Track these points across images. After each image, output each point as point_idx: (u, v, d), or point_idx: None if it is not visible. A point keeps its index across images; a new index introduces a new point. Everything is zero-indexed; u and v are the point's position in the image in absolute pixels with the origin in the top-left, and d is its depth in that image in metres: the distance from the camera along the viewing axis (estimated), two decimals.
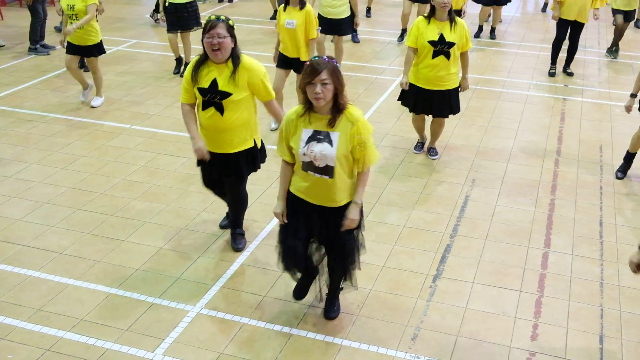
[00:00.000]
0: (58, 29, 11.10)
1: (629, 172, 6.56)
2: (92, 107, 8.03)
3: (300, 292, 4.51)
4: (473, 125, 7.75)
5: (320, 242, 4.22)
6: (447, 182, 6.37)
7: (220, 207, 5.73)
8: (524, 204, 6.00)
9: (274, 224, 5.55)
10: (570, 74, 9.53)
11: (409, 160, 6.78)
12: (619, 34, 10.40)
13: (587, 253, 5.29)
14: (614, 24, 10.49)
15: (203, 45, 4.48)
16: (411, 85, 6.46)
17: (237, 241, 5.23)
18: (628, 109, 6.29)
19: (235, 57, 4.51)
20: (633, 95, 6.26)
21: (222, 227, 5.48)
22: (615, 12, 10.27)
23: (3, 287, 4.75)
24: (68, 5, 7.57)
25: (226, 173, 4.86)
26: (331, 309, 4.47)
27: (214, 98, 4.53)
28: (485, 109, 8.27)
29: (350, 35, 10.97)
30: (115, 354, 4.13)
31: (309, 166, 3.88)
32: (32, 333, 4.29)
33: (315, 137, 3.81)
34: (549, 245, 5.39)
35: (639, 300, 4.74)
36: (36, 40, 10.19)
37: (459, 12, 9.15)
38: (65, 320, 4.41)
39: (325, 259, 4.31)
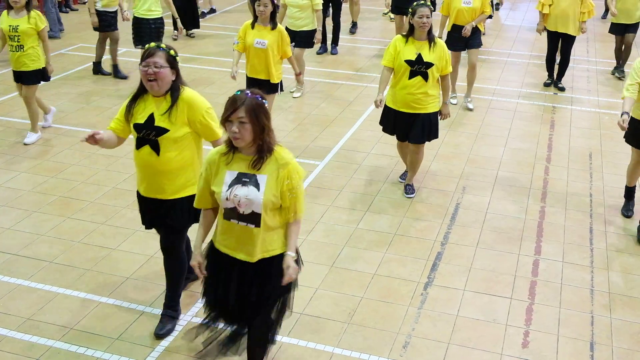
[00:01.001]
0: None
1: (620, 179, 6.57)
2: (25, 144, 7.14)
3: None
4: (463, 133, 7.78)
5: (241, 305, 3.59)
6: (438, 190, 6.39)
7: None
8: (515, 212, 6.02)
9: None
10: (562, 89, 9.26)
11: (400, 168, 6.79)
12: (620, 51, 9.92)
13: (578, 260, 5.31)
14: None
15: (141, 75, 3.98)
16: (389, 108, 6.09)
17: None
18: (621, 125, 5.28)
19: (174, 89, 3.97)
20: (624, 113, 5.33)
21: (159, 335, 4.36)
22: (615, 29, 9.72)
23: None
24: (10, 26, 6.78)
25: (159, 223, 4.23)
26: None
27: (149, 134, 3.98)
28: (475, 117, 8.30)
29: (330, 47, 10.87)
30: None
31: (232, 213, 3.40)
32: (21, 342, 4.26)
33: (240, 179, 3.36)
34: (539, 252, 5.41)
35: (629, 307, 4.76)
36: None
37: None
38: (55, 329, 4.39)
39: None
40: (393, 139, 7.19)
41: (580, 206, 6.15)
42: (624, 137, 5.82)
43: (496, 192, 6.38)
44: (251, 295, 3.52)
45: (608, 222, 5.87)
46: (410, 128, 6.03)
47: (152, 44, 3.99)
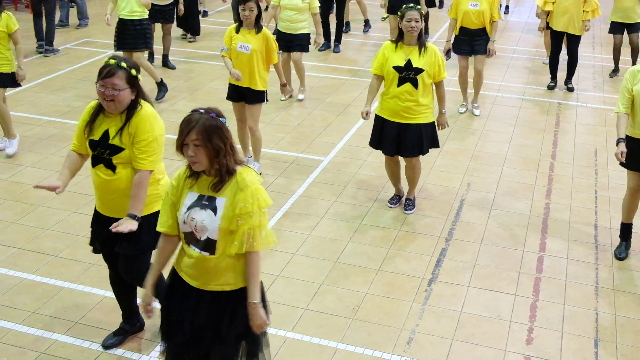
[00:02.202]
0: None
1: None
2: (8, 155, 6.76)
3: None
4: (468, 129, 7.77)
5: (197, 338, 3.26)
6: (442, 186, 6.38)
7: None
8: (519, 208, 6.01)
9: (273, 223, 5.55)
10: (571, 89, 9.11)
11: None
12: (619, 52, 9.77)
13: (582, 257, 5.31)
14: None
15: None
16: (377, 117, 5.74)
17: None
18: (619, 157, 4.97)
19: (130, 108, 3.73)
20: (620, 140, 4.98)
21: (106, 346, 4.19)
22: (614, 29, 9.52)
23: None
24: None
25: (119, 245, 3.89)
26: None
27: (103, 153, 3.76)
28: (480, 113, 8.28)
29: (333, 45, 10.73)
30: (111, 357, 4.12)
31: (190, 238, 3.14)
32: (26, 336, 4.28)
33: (200, 202, 3.10)
34: (544, 249, 5.41)
35: (633, 304, 4.75)
36: (50, 40, 10.21)
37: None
38: (60, 323, 4.40)
39: None
40: None
41: (585, 203, 6.14)
42: (628, 166, 5.18)
43: (501, 188, 6.37)
44: (207, 328, 3.20)
45: (613, 219, 5.85)
46: (400, 140, 5.65)
47: (112, 61, 3.67)
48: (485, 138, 7.53)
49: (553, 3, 8.74)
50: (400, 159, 5.93)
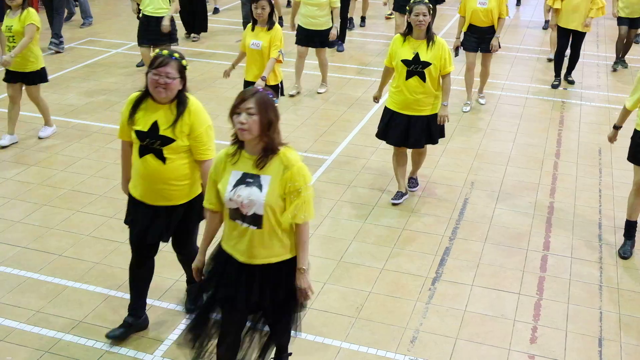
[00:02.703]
0: None
1: (629, 174, 6.53)
2: (40, 138, 7.20)
3: None
4: (472, 128, 7.77)
5: (253, 307, 3.49)
6: (446, 185, 6.38)
7: None
8: (523, 207, 6.00)
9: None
10: (572, 82, 9.31)
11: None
12: (622, 42, 10.03)
13: (586, 256, 5.30)
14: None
15: (146, 80, 3.83)
16: (386, 109, 5.87)
17: (191, 299, 4.53)
18: (611, 139, 5.52)
19: (181, 100, 3.86)
20: (616, 127, 5.45)
21: (110, 337, 4.26)
22: (621, 21, 9.86)
23: (2, 288, 4.74)
24: (6, 26, 6.71)
25: (165, 233, 4.09)
26: None
27: (153, 143, 3.85)
28: (484, 112, 8.28)
29: (335, 45, 10.67)
30: (115, 356, 4.13)
31: (236, 214, 3.30)
32: (31, 335, 4.29)
33: (244, 180, 3.26)
34: (548, 248, 5.40)
35: (638, 303, 4.75)
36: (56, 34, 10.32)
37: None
38: (65, 322, 4.41)
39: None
40: None
41: (589, 202, 6.13)
42: (627, 157, 5.39)
43: (505, 187, 6.36)
44: (264, 300, 3.39)
45: (617, 218, 5.84)
46: (408, 132, 5.75)
47: (165, 52, 3.83)
48: (489, 137, 7.52)
49: (562, 1, 8.80)
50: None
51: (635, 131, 5.16)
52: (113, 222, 5.61)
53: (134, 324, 4.31)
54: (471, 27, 8.08)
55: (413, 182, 6.26)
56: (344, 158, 6.90)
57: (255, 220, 3.26)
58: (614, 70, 10.10)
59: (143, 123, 3.87)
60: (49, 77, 9.16)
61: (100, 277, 4.88)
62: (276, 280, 3.39)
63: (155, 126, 3.84)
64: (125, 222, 4.17)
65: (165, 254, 5.15)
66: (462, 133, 7.58)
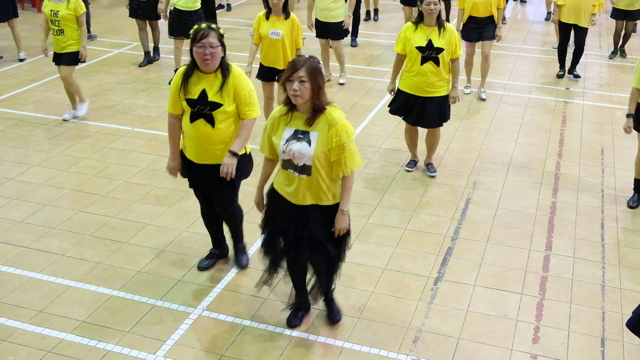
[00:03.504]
0: None
1: (631, 174, 6.53)
2: (76, 117, 7.71)
3: (294, 316, 4.41)
4: (474, 128, 7.76)
5: (303, 245, 4.08)
6: (448, 185, 6.37)
7: None
8: (526, 207, 5.99)
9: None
10: (577, 77, 9.52)
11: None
12: (619, 36, 10.49)
13: (589, 256, 5.29)
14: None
15: (192, 55, 4.30)
16: (400, 91, 6.29)
17: (239, 257, 5.03)
18: (627, 130, 5.89)
19: (224, 67, 4.37)
20: (630, 115, 5.85)
21: (201, 268, 4.97)
22: (616, 14, 10.26)
23: (4, 289, 4.75)
24: (51, 10, 7.20)
25: (216, 186, 4.58)
26: (332, 313, 4.44)
27: (203, 109, 4.35)
28: (487, 111, 8.27)
29: (350, 39, 10.95)
30: (117, 356, 4.13)
31: (288, 164, 3.91)
32: (33, 335, 4.29)
33: (295, 136, 3.85)
34: (550, 248, 5.39)
35: None
36: None
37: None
38: (67, 322, 4.41)
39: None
40: (402, 135, 7.17)
41: (591, 202, 6.12)
42: (634, 126, 5.91)
43: (507, 187, 6.36)
44: (311, 230, 3.98)
45: (620, 218, 5.84)
46: (423, 112, 6.20)
47: (203, 25, 4.29)
48: (491, 136, 7.51)
49: None
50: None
51: (639, 104, 5.74)
52: (115, 222, 5.61)
53: (219, 254, 5.04)
54: (471, 18, 8.45)
55: (431, 167, 6.58)
56: None
57: (305, 169, 3.85)
58: (610, 59, 10.50)
59: (193, 92, 4.35)
60: (51, 77, 9.19)
61: (102, 277, 4.88)
62: (322, 222, 3.97)
63: (204, 93, 4.34)
64: (183, 175, 4.73)
65: (167, 254, 5.16)
66: (464, 134, 7.57)
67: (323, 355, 4.17)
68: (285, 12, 6.71)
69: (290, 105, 3.87)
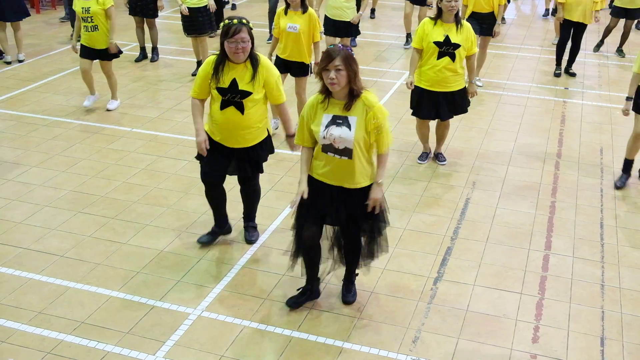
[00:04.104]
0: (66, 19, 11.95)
1: (631, 173, 6.55)
2: (108, 110, 8.04)
3: (296, 299, 4.58)
4: (473, 127, 7.76)
5: (339, 224, 4.34)
6: (447, 185, 6.37)
7: None
8: (525, 207, 5.99)
9: (275, 226, 5.56)
10: (573, 75, 9.60)
11: (410, 163, 6.78)
12: (609, 32, 10.57)
13: (588, 255, 5.29)
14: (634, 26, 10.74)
15: (222, 47, 4.57)
16: (416, 87, 6.44)
17: (250, 234, 5.33)
18: (625, 112, 6.23)
19: (253, 58, 4.65)
20: (629, 99, 6.18)
21: (200, 242, 5.28)
22: (616, 12, 10.29)
23: (4, 290, 4.74)
24: (82, 8, 7.44)
25: (244, 168, 4.93)
26: (348, 293, 4.63)
27: (234, 97, 4.64)
28: (486, 111, 8.27)
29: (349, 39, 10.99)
30: (116, 357, 4.13)
31: (329, 148, 4.10)
32: (32, 336, 4.29)
33: (334, 121, 4.06)
34: (549, 247, 5.39)
35: None
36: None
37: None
38: (66, 323, 4.41)
39: (341, 243, 4.49)
40: (404, 134, 7.19)
41: (590, 201, 6.12)
42: (633, 107, 6.17)
43: (506, 187, 6.36)
44: (350, 211, 4.21)
45: (619, 217, 5.84)
46: (440, 105, 6.40)
47: (235, 21, 4.53)
48: (490, 136, 7.51)
49: None
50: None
51: (639, 87, 6.06)
52: (115, 223, 5.61)
53: (219, 232, 5.31)
54: (473, 13, 8.62)
55: (441, 156, 6.83)
56: None
57: (346, 152, 4.08)
58: (594, 52, 10.78)
59: (224, 81, 4.63)
60: (51, 78, 9.19)
61: (102, 278, 4.88)
62: (360, 200, 4.18)
63: (234, 83, 4.62)
64: (196, 157, 4.98)
65: (167, 254, 5.16)
66: (463, 133, 7.58)
67: (323, 355, 4.17)
68: (303, 6, 6.87)
69: (326, 93, 4.08)
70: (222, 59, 4.64)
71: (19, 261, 5.08)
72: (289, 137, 4.94)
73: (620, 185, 6.32)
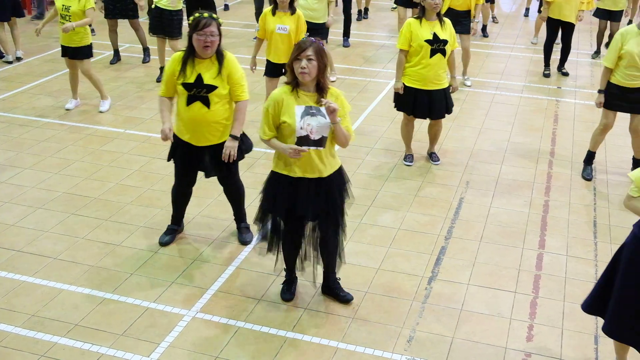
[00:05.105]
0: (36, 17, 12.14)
1: (623, 172, 6.58)
2: (100, 111, 8.00)
3: (288, 290, 4.66)
4: (466, 127, 7.77)
5: (308, 217, 4.35)
6: (441, 185, 6.38)
7: (214, 210, 5.73)
8: (518, 206, 6.01)
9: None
10: (566, 74, 9.61)
11: (403, 163, 6.78)
12: (602, 35, 10.56)
13: (582, 254, 5.31)
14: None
15: (190, 42, 4.60)
16: (408, 88, 6.40)
17: (244, 235, 5.32)
18: (599, 104, 6.30)
19: (219, 53, 4.69)
20: (601, 91, 6.26)
21: (162, 244, 5.28)
22: (600, 14, 10.21)
23: None
24: (63, 5, 7.46)
25: (218, 167, 4.91)
26: (341, 294, 4.64)
27: (200, 92, 4.65)
28: (479, 111, 8.29)
29: (342, 39, 10.98)
30: (111, 359, 4.11)
31: (304, 141, 4.10)
32: (26, 339, 4.27)
33: (308, 112, 4.08)
34: (543, 246, 5.40)
35: None
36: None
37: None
38: (60, 325, 4.39)
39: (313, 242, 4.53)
40: (395, 135, 7.19)
41: (584, 200, 6.14)
42: (604, 105, 6.31)
43: (500, 186, 6.37)
44: (327, 205, 4.28)
45: (612, 216, 5.86)
46: (431, 104, 6.41)
47: (206, 14, 4.59)
48: (483, 136, 7.52)
49: None
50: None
51: (609, 83, 6.19)
52: (108, 224, 5.59)
53: (178, 229, 5.36)
54: (449, 10, 8.61)
55: (434, 156, 6.83)
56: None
57: (322, 142, 4.12)
58: (593, 58, 10.61)
59: (190, 76, 4.65)
60: (42, 80, 9.17)
61: (95, 280, 4.86)
62: (332, 187, 4.28)
63: (200, 77, 4.64)
64: (169, 160, 5.06)
65: (163, 256, 5.15)
66: (457, 133, 7.59)
67: (317, 355, 4.17)
68: (292, 7, 6.84)
69: (295, 84, 4.11)
70: (189, 54, 4.67)
71: (12, 264, 5.05)
72: (233, 137, 4.81)
73: (589, 177, 6.47)
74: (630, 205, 3.74)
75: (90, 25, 8.48)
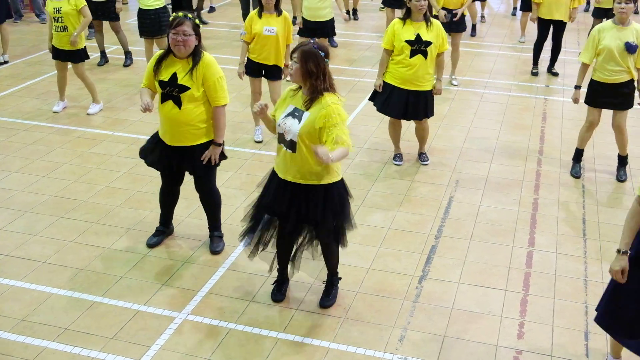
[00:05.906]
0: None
1: (611, 169, 6.62)
2: (88, 114, 7.94)
3: (279, 291, 4.66)
4: (455, 126, 7.79)
5: (288, 218, 4.30)
6: (430, 184, 6.39)
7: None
8: (508, 204, 6.03)
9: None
10: (556, 74, 9.61)
11: (392, 162, 6.79)
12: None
13: (571, 251, 5.33)
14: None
15: (168, 39, 4.63)
16: (386, 84, 6.43)
17: (215, 244, 5.21)
18: (575, 100, 6.43)
19: (196, 54, 4.65)
20: (577, 87, 6.37)
21: (150, 245, 5.27)
22: (597, 13, 10.15)
23: None
24: (54, 8, 7.44)
25: (191, 165, 4.90)
26: (326, 297, 4.60)
27: (172, 91, 4.65)
28: (468, 110, 8.31)
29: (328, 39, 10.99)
30: None
31: (281, 138, 4.16)
32: (15, 344, 4.24)
33: (292, 113, 4.10)
34: (533, 244, 5.42)
35: None
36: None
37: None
38: (50, 330, 4.37)
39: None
40: (384, 135, 7.19)
41: (573, 197, 6.17)
42: (585, 100, 6.42)
43: (489, 184, 6.39)
44: (309, 215, 4.18)
45: (600, 213, 5.89)
46: (410, 105, 6.37)
47: (180, 14, 4.60)
48: (472, 135, 7.54)
49: None
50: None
51: (592, 80, 6.29)
52: (97, 227, 5.56)
53: (166, 231, 5.34)
54: (444, 9, 8.66)
55: (424, 156, 6.81)
56: None
57: (292, 145, 4.07)
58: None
59: (165, 74, 4.66)
60: (30, 82, 9.12)
61: (85, 284, 4.84)
62: (309, 199, 4.14)
63: (174, 76, 4.64)
64: (141, 157, 5.09)
65: (153, 259, 5.13)
66: (446, 132, 7.60)
67: (309, 356, 4.17)
68: (278, 9, 6.77)
69: (300, 86, 4.13)
70: (167, 52, 4.71)
71: (0, 268, 5.02)
72: (216, 144, 4.82)
73: (577, 175, 6.50)
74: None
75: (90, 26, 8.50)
